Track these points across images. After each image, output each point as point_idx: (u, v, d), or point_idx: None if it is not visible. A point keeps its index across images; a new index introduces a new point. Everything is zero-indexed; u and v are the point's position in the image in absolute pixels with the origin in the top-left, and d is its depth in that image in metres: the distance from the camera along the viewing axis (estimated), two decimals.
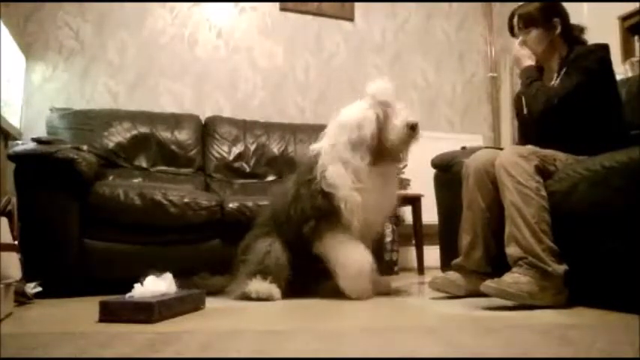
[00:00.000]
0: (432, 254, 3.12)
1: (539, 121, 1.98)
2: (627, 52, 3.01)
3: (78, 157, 2.33)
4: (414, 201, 3.51)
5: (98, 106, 3.31)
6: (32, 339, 1.22)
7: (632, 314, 1.45)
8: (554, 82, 2.02)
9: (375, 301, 1.98)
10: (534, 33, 2.06)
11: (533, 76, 2.02)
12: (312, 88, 3.94)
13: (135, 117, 3.17)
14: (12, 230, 2.08)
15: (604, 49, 1.96)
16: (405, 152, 2.09)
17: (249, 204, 2.54)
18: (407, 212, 3.63)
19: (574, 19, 2.11)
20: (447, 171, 2.48)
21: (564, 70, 1.98)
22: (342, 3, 4.07)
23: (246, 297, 1.99)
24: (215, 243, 2.52)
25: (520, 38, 2.10)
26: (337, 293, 2.01)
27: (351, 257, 2.00)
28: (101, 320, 1.49)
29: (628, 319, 1.42)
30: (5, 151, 2.75)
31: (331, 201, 2.00)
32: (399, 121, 1.98)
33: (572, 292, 1.69)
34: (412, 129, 1.98)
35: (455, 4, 4.43)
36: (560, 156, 1.86)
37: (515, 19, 2.12)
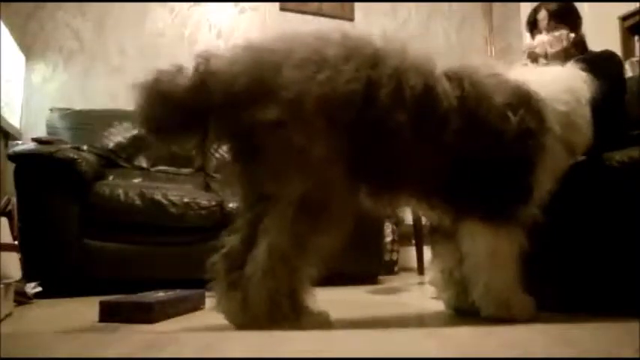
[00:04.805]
0: None
1: None
2: (627, 52, 3.02)
3: (78, 157, 2.33)
4: None
5: (98, 106, 3.31)
6: (32, 339, 1.22)
7: (632, 314, 1.44)
8: None
9: (375, 301, 1.98)
10: (563, 31, 1.98)
11: None
12: None
13: (135, 117, 3.16)
14: (12, 230, 2.08)
15: (617, 55, 1.96)
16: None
17: None
18: (407, 212, 3.63)
19: None
20: None
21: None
22: (342, 3, 4.07)
23: None
24: (215, 243, 2.51)
25: (543, 35, 2.00)
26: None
27: None
28: (101, 320, 1.49)
29: (628, 319, 1.42)
30: (5, 151, 2.75)
31: None
32: None
33: (572, 293, 1.69)
34: None
35: (455, 4, 4.43)
36: None
37: (543, 14, 2.02)
